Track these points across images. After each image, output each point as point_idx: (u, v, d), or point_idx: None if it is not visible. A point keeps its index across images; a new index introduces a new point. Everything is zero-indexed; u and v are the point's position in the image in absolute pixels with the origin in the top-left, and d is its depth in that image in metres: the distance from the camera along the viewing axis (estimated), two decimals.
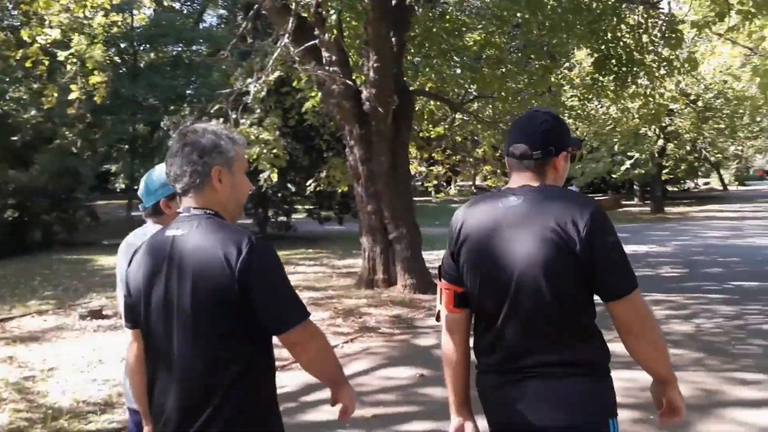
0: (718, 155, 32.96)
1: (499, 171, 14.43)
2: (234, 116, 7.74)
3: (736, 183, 46.51)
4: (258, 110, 8.32)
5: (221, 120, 7.58)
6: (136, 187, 11.49)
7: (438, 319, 1.92)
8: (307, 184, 12.99)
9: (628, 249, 1.79)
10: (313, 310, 7.51)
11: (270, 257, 1.67)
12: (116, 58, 18.76)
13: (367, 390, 4.88)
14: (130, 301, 1.81)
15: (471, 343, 1.90)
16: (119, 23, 12.70)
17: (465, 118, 11.51)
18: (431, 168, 12.89)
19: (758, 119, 25.38)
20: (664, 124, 23.19)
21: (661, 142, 25.87)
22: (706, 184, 48.24)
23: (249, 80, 7.84)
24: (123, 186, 21.98)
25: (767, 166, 55.35)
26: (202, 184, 1.72)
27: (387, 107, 8.28)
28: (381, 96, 8.23)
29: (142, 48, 20.80)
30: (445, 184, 17.82)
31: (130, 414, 2.44)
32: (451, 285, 1.86)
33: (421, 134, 11.92)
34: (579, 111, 11.20)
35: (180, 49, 21.02)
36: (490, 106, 11.06)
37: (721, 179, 42.83)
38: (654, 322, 1.76)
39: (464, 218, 1.85)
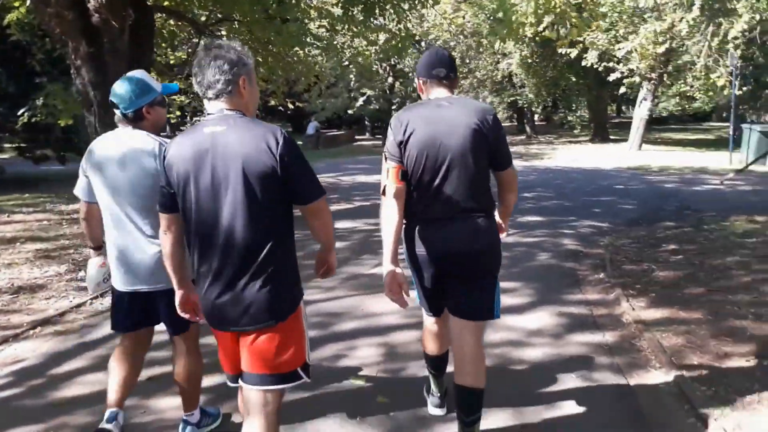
0: None
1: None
2: None
3: None
4: None
5: None
6: None
7: (384, 193, 2.60)
8: (18, 115, 10.66)
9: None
10: (45, 265, 6.39)
11: (297, 145, 2.13)
12: None
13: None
14: (168, 190, 2.17)
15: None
16: None
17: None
18: (174, 98, 11.60)
19: (467, 62, 28.43)
20: (393, 62, 24.60)
21: (390, 79, 27.49)
22: None
23: None
24: None
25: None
26: (232, 90, 2.11)
27: (122, 21, 7.04)
28: (113, 6, 6.94)
29: None
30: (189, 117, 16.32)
31: (113, 290, 2.85)
32: (399, 164, 2.61)
33: (159, 59, 10.53)
34: (326, 42, 11.01)
35: None
36: (236, 34, 10.17)
37: None
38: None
39: (408, 118, 2.63)
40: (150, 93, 2.69)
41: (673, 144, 24.09)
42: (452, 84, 2.72)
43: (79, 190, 2.83)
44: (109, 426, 2.83)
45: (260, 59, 9.99)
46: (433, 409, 3.18)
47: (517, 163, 2.96)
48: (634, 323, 4.40)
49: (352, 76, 25.55)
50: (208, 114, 2.17)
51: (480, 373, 2.67)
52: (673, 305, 4.75)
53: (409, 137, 2.59)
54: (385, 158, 2.64)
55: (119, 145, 2.67)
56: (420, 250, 2.68)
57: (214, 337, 2.35)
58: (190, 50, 10.71)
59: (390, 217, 2.58)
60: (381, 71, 26.41)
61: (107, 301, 5.28)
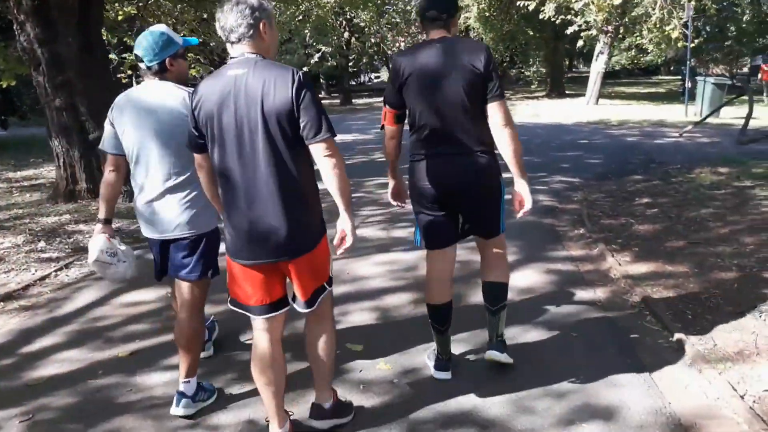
0: (394, 50, 35.78)
1: (202, 59, 12.98)
2: None
3: None
4: None
5: None
6: None
7: (383, 128, 2.93)
8: None
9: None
10: None
11: (312, 85, 2.21)
12: None
13: (110, 323, 3.94)
14: (196, 131, 2.29)
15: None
16: None
17: None
18: (124, 56, 10.90)
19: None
20: (349, 17, 23.95)
21: (347, 35, 26.81)
22: (377, 77, 52.50)
23: None
24: None
25: None
26: (253, 34, 2.22)
27: None
28: None
29: None
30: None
31: (151, 243, 2.94)
32: (393, 109, 2.86)
33: (106, 15, 9.83)
34: None
35: None
36: None
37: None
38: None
39: (404, 61, 2.77)
40: (172, 45, 2.78)
41: (627, 98, 24.37)
42: (448, 23, 2.78)
43: (104, 142, 2.90)
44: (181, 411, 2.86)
45: (214, 11, 9.51)
46: (438, 374, 3.07)
47: None
48: (623, 278, 4.38)
49: (307, 31, 24.77)
50: (231, 57, 2.26)
51: (504, 270, 3.06)
52: (657, 259, 4.77)
53: (406, 80, 2.74)
54: (384, 102, 2.89)
55: (148, 95, 2.76)
56: (424, 184, 2.82)
57: (233, 273, 2.39)
58: (140, 4, 10.03)
59: (388, 150, 3.00)
60: (337, 26, 25.65)
61: (73, 273, 4.99)
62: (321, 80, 33.57)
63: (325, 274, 2.44)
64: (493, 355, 3.00)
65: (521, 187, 2.83)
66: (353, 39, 27.83)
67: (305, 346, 2.60)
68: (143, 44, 2.74)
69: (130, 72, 11.27)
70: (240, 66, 2.20)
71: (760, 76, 21.84)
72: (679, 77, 27.10)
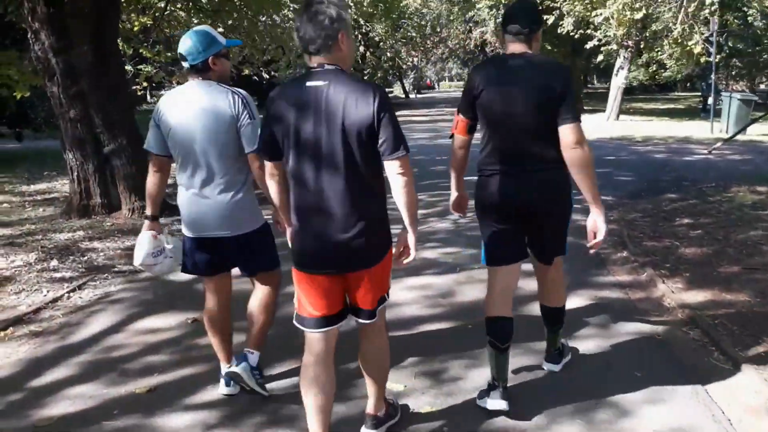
0: (406, 65, 35.68)
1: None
2: None
3: (415, 91, 51.37)
4: None
5: None
6: None
7: (452, 137, 2.87)
8: None
9: None
10: (11, 252, 5.70)
11: (390, 102, 2.24)
12: None
13: (126, 353, 3.63)
14: (272, 138, 2.29)
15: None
16: None
17: (177, 6, 9.69)
18: (140, 67, 10.68)
19: (438, 30, 27.85)
20: (365, 30, 23.81)
21: (362, 48, 26.68)
22: (390, 92, 52.31)
23: None
24: None
25: (434, 77, 62.91)
26: (332, 45, 2.20)
27: None
28: None
29: None
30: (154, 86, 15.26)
31: (186, 240, 2.93)
32: (466, 118, 2.78)
33: (121, 26, 9.63)
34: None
35: None
36: None
37: (404, 87, 46.67)
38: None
39: (480, 75, 2.72)
40: (215, 45, 2.80)
41: (646, 114, 23.97)
42: (530, 38, 2.69)
43: (150, 143, 2.90)
44: (228, 390, 3.02)
45: (235, 23, 9.28)
46: (494, 403, 2.75)
47: None
48: (679, 308, 4.04)
49: None
50: (310, 68, 2.23)
51: (562, 295, 3.12)
52: (712, 286, 4.41)
53: (480, 93, 2.68)
54: (457, 111, 2.82)
55: (192, 94, 2.77)
56: (494, 200, 2.75)
57: (296, 284, 2.39)
58: (156, 15, 9.82)
59: (455, 161, 2.93)
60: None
61: (87, 294, 4.70)
62: None
63: (387, 285, 2.46)
64: (549, 366, 3.24)
65: (596, 216, 2.67)
66: (368, 53, 27.66)
67: (359, 357, 2.58)
68: (187, 43, 2.76)
69: (145, 84, 11.08)
70: (320, 77, 2.19)
71: None
72: (699, 93, 26.70)
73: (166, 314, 4.17)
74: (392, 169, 2.22)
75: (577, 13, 18.96)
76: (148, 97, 23.48)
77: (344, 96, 2.15)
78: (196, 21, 10.60)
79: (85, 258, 5.58)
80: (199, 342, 3.67)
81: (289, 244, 2.43)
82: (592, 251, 2.82)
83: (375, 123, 2.14)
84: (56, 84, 6.72)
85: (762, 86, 32.44)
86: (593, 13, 18.22)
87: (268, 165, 2.37)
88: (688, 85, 38.51)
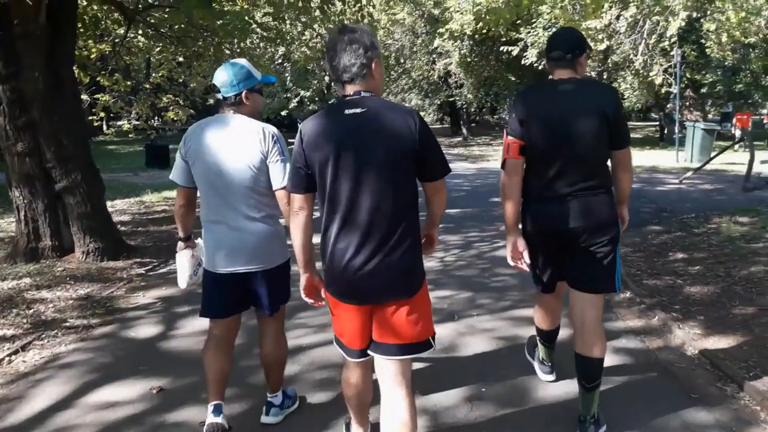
0: None
1: (182, 101, 12.06)
2: None
3: None
4: None
5: None
6: None
7: (503, 166, 2.82)
8: None
9: None
10: None
11: (429, 127, 2.26)
12: None
13: None
14: (306, 171, 2.25)
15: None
16: None
17: (138, 32, 9.12)
18: (97, 97, 9.99)
19: (402, 61, 27.78)
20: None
21: (327, 78, 26.34)
22: None
23: None
24: None
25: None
26: (366, 73, 2.23)
27: (38, 0, 5.72)
28: None
29: None
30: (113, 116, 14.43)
31: (207, 274, 2.88)
32: (519, 139, 2.76)
33: (77, 52, 9.00)
34: (275, 31, 9.85)
35: None
36: (171, 22, 8.72)
37: None
38: None
39: (528, 99, 2.82)
40: (250, 79, 2.77)
41: None
42: (574, 63, 2.75)
43: (176, 175, 2.85)
44: (218, 419, 2.81)
45: (201, 50, 8.78)
46: (544, 375, 3.45)
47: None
48: (703, 357, 3.68)
49: (287, 74, 24.20)
50: (345, 96, 2.23)
51: (600, 344, 2.81)
52: (733, 330, 4.08)
53: (528, 117, 2.70)
54: (506, 133, 2.79)
55: (222, 127, 2.74)
56: (536, 226, 2.81)
57: (331, 314, 2.38)
58: (116, 41, 9.21)
59: (510, 190, 2.79)
60: (317, 70, 25.14)
61: (31, 357, 4.05)
62: (299, 123, 33.01)
63: (430, 325, 2.35)
64: None
65: (623, 210, 2.99)
66: (332, 83, 27.39)
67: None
68: (222, 75, 2.74)
69: (102, 114, 10.41)
70: (358, 105, 2.19)
71: (734, 122, 21.78)
72: (656, 122, 27.23)
73: (127, 382, 3.57)
74: (434, 188, 2.33)
75: (541, 45, 19.11)
76: (105, 128, 22.52)
77: (386, 121, 2.17)
78: (158, 48, 10.06)
79: (31, 311, 4.90)
80: (167, 418, 3.10)
81: (303, 295, 2.47)
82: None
83: (418, 148, 2.18)
84: (2, 114, 6.08)
85: (710, 116, 33.47)
86: None
87: (298, 198, 2.31)
88: (641, 114, 39.46)
